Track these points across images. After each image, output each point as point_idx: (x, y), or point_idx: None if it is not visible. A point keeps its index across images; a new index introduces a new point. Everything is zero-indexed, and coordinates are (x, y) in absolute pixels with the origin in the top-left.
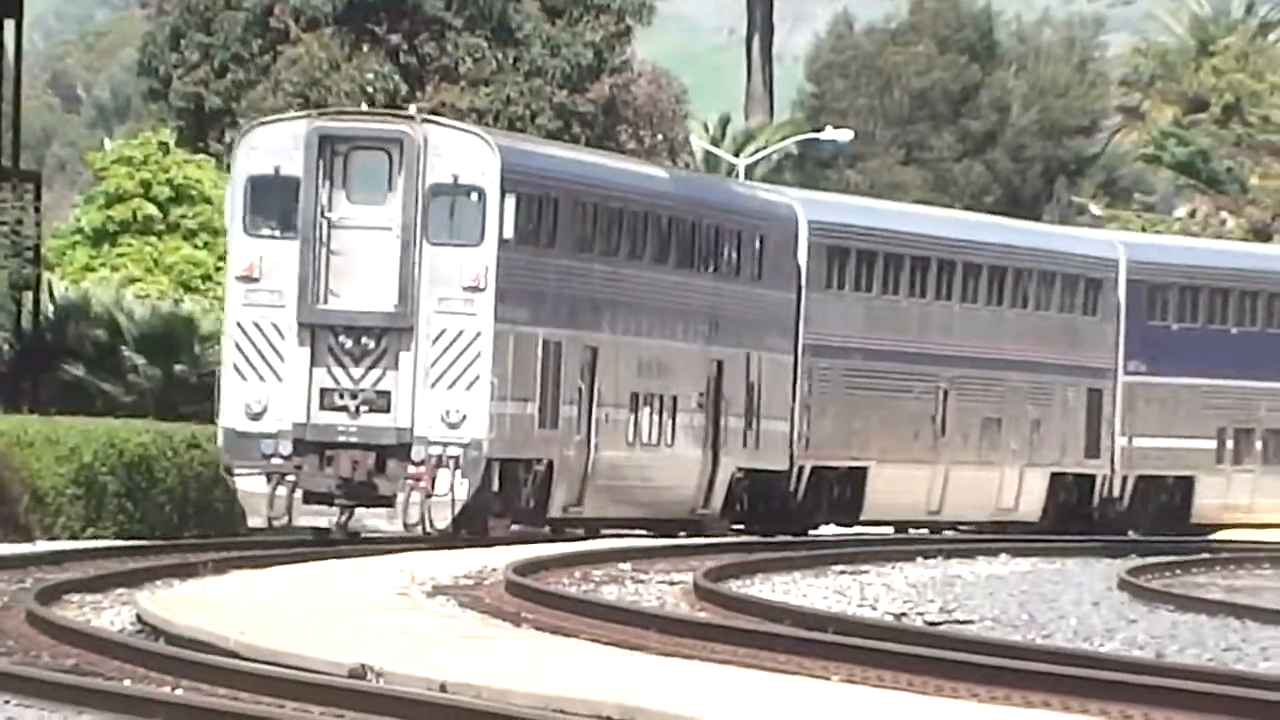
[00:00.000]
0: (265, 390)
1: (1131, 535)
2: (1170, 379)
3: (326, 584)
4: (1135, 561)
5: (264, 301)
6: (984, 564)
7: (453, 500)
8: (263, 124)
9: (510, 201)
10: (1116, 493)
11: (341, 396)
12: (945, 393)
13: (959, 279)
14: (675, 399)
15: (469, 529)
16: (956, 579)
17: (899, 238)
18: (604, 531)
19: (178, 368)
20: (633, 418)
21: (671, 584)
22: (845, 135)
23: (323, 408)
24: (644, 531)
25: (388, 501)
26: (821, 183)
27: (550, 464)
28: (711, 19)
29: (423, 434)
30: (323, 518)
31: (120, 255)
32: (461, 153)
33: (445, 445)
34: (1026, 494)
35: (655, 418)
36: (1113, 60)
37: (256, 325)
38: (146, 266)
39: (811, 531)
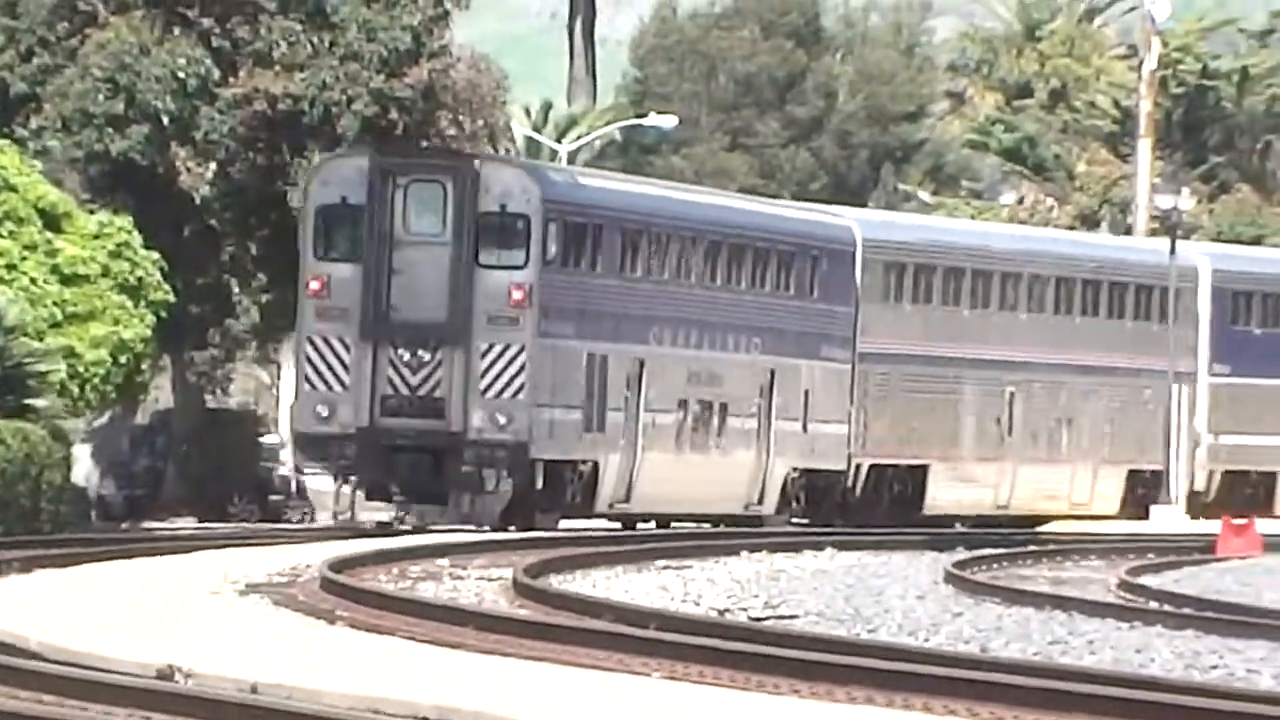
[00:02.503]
0: (332, 397)
1: (958, 528)
2: (1254, 380)
3: (136, 582)
4: (962, 555)
5: (332, 317)
6: (809, 558)
7: (500, 496)
8: (331, 159)
9: (553, 228)
10: (1201, 486)
11: (400, 403)
12: (1012, 395)
13: (1024, 290)
14: (725, 405)
15: (516, 523)
16: (782, 573)
17: (960, 252)
18: (674, 525)
19: None
20: (681, 422)
21: (490, 580)
22: (670, 121)
23: (384, 413)
24: (708, 524)
25: (442, 498)
26: (645, 169)
27: (596, 464)
28: (533, 2)
29: (473, 437)
30: (383, 512)
31: None
32: (508, 184)
33: (493, 447)
34: (1101, 489)
35: (704, 422)
36: (940, 45)
37: (325, 339)
38: None
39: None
